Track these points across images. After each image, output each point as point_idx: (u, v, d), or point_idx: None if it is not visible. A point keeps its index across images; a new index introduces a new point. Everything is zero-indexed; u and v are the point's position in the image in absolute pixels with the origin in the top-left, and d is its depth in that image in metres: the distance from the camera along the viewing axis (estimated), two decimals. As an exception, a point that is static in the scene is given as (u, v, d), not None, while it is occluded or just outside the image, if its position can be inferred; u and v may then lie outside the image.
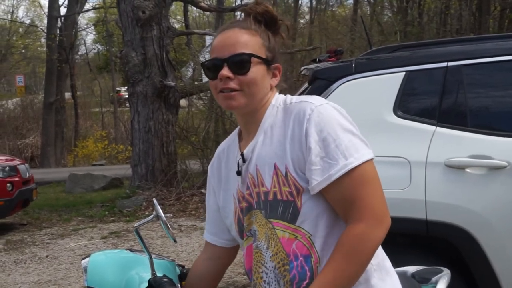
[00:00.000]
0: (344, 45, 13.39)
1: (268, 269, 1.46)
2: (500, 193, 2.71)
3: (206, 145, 10.58)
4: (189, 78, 12.29)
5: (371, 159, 1.38)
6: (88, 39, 41.95)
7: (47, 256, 6.16)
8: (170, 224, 1.55)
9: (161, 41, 9.36)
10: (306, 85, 3.45)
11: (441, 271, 2.09)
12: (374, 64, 3.10)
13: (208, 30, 17.22)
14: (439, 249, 2.81)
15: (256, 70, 1.45)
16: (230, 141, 1.64)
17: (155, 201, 1.53)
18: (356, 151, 1.36)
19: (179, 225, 7.20)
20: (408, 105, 2.96)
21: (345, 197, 1.36)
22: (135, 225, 1.55)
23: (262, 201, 1.45)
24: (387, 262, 1.49)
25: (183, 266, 1.84)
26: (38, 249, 6.55)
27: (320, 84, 3.20)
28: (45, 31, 21.78)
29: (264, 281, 1.48)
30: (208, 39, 16.75)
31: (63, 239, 6.95)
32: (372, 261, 1.38)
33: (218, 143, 10.69)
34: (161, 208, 1.56)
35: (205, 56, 13.39)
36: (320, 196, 1.39)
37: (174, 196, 8.71)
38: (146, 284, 1.53)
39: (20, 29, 35.56)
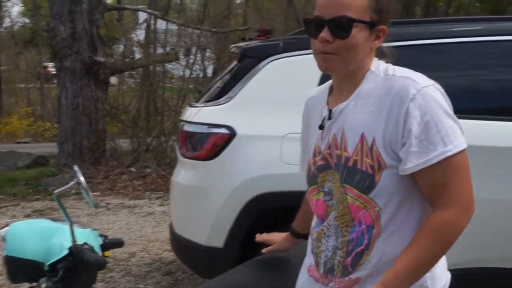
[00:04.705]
0: (277, 26, 13.48)
1: (330, 226, 1.51)
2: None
3: (137, 124, 10.43)
4: (120, 55, 12.03)
5: (466, 148, 1.39)
6: (14, 11, 40.03)
7: (-34, 234, 5.94)
8: (97, 202, 1.56)
9: (91, 16, 9.10)
10: (235, 62, 3.50)
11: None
12: (301, 44, 3.17)
13: (141, 6, 16.84)
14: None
15: (358, 35, 1.40)
16: (320, 92, 1.63)
17: (76, 168, 1.53)
18: (455, 139, 1.36)
19: (106, 203, 7.10)
20: (332, 84, 3.06)
21: (437, 182, 1.37)
22: (55, 192, 1.55)
23: (342, 165, 1.46)
24: None
25: (106, 236, 1.85)
26: (-44, 227, 6.29)
27: (248, 62, 3.25)
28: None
29: (324, 233, 1.53)
30: (141, 15, 16.40)
31: (-17, 217, 6.71)
32: None
33: (149, 122, 10.55)
34: (89, 187, 1.57)
35: (136, 33, 13.14)
36: (402, 176, 1.39)
37: (102, 175, 8.56)
38: (67, 252, 1.54)
39: None
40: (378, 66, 1.48)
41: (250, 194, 3.03)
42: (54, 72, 14.25)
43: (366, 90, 1.46)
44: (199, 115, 3.27)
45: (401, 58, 3.12)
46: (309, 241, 1.63)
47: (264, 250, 1.92)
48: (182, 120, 3.42)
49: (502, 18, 3.95)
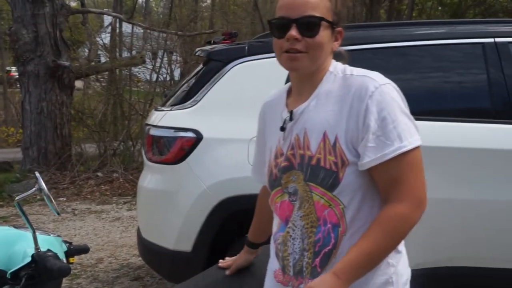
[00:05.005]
0: (243, 29, 13.50)
1: (295, 227, 1.51)
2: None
3: (104, 128, 10.31)
4: (85, 59, 11.87)
5: (420, 146, 1.43)
6: (-25, 14, 39.01)
7: None
8: (63, 208, 1.54)
9: (55, 19, 8.96)
10: (201, 66, 3.50)
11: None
12: (266, 47, 3.19)
13: (106, 9, 16.67)
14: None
15: (324, 34, 1.45)
16: (277, 95, 1.65)
17: (37, 173, 1.51)
18: (410, 136, 1.40)
19: (73, 209, 7.00)
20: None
21: (392, 177, 1.40)
22: (16, 198, 1.53)
23: (305, 164, 1.47)
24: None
25: (70, 243, 1.83)
26: None
27: (214, 66, 3.26)
28: None
29: (290, 236, 1.53)
30: (107, 19, 16.24)
31: None
32: None
33: (116, 126, 10.45)
34: (54, 192, 1.55)
35: (101, 37, 13.00)
36: (363, 172, 1.42)
37: (68, 180, 8.43)
38: (30, 259, 1.51)
39: None
40: (336, 67, 1.53)
41: (218, 198, 3.03)
42: (17, 77, 14.00)
43: (325, 90, 1.49)
44: (165, 119, 3.26)
45: (368, 60, 3.18)
46: (272, 245, 1.63)
47: (221, 265, 1.90)
48: (148, 124, 3.39)
49: (462, 21, 4.05)
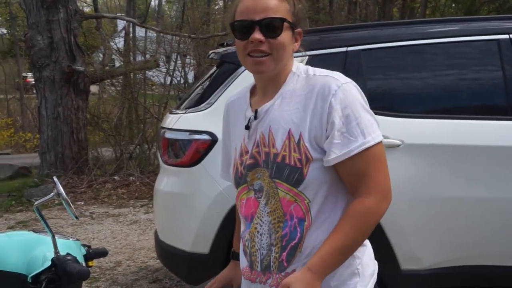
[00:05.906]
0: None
1: (263, 222, 1.55)
2: (394, 170, 2.90)
3: (119, 132, 10.39)
4: (99, 63, 11.96)
5: (382, 141, 1.49)
6: (-10, 22, 39.47)
7: None
8: (81, 212, 1.56)
9: (69, 25, 9.05)
10: (214, 68, 3.51)
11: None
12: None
13: (119, 14, 16.78)
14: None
15: (285, 35, 1.50)
16: (241, 95, 1.69)
17: (55, 178, 1.53)
18: (373, 131, 1.46)
19: (90, 213, 7.06)
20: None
21: (358, 172, 1.45)
22: (35, 203, 1.55)
23: (270, 161, 1.52)
24: None
25: (89, 246, 1.85)
26: None
27: (227, 68, 3.27)
28: None
29: (258, 231, 1.57)
30: (120, 23, 16.36)
31: (-35, 231, 6.62)
32: None
33: (131, 130, 10.46)
34: (72, 196, 1.57)
35: (115, 41, 13.09)
36: (327, 167, 1.47)
37: (86, 184, 8.51)
38: (49, 263, 1.53)
39: None
40: (298, 67, 1.58)
41: (234, 200, 3.03)
42: (33, 82, 14.17)
43: (289, 89, 1.54)
44: (180, 121, 3.27)
45: (382, 59, 3.17)
46: (240, 243, 1.67)
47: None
48: (163, 127, 3.41)
49: (476, 18, 4.02)
